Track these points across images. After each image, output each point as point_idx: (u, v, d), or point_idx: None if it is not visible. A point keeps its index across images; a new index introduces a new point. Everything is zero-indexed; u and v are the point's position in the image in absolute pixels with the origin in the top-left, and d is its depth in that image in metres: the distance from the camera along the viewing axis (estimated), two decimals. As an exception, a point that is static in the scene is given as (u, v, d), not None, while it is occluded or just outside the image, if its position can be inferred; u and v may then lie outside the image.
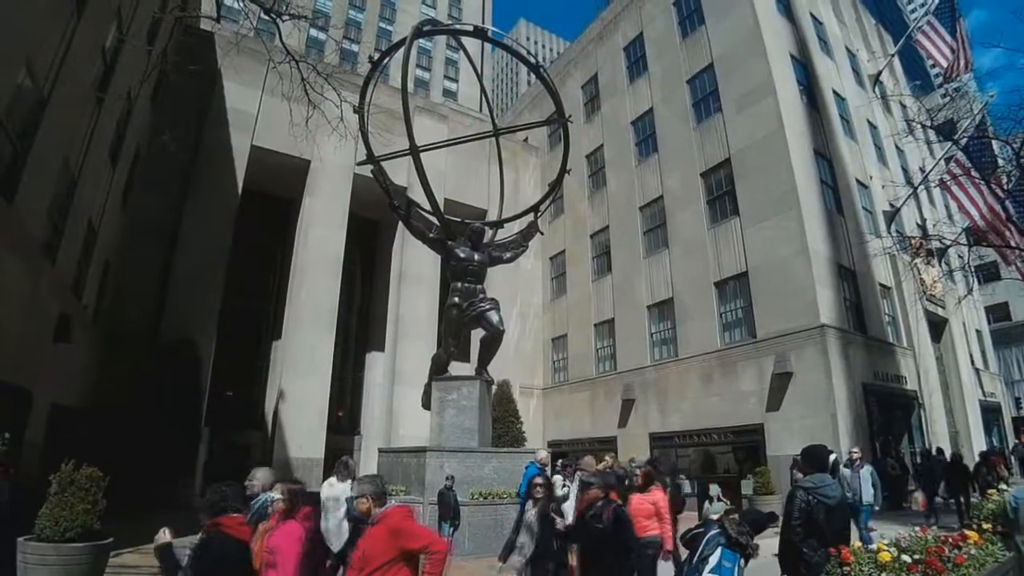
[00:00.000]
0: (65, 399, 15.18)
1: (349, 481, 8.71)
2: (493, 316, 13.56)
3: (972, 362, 29.41)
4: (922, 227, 28.68)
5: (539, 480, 6.87)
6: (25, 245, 11.05)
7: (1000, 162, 20.17)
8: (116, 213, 19.08)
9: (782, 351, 20.48)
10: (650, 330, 26.61)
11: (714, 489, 17.50)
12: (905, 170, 30.04)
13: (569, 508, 11.30)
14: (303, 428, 24.09)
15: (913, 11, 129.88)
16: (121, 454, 14.86)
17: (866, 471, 12.15)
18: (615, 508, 5.73)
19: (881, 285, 23.84)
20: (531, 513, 6.72)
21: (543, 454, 10.85)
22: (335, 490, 8.72)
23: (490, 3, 66.12)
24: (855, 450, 12.92)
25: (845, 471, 12.11)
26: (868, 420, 20.19)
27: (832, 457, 15.99)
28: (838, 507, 5.59)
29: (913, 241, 25.26)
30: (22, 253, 10.93)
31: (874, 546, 5.34)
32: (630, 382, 26.46)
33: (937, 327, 27.00)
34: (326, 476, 9.70)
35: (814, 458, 6.01)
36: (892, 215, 25.75)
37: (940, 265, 27.15)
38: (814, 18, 27.72)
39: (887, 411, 21.77)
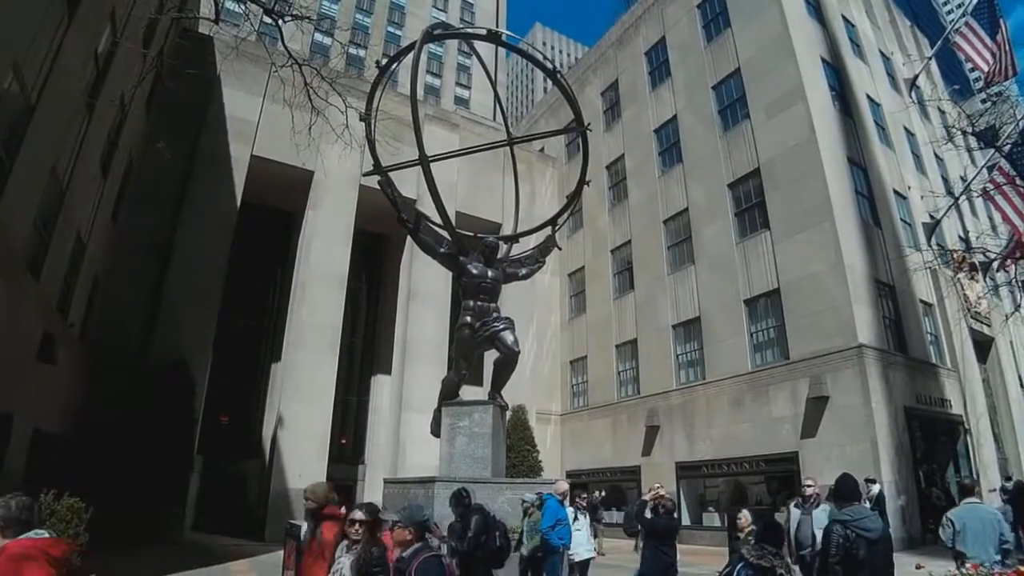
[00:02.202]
0: (47, 424, 14.98)
1: None
2: (508, 337, 13.30)
3: (1021, 384, 28.86)
4: (965, 240, 28.39)
5: (359, 515, 5.15)
6: (8, 259, 10.89)
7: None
8: (106, 226, 19.00)
9: (817, 373, 20.17)
10: (675, 351, 26.29)
11: (746, 523, 17.12)
12: (945, 179, 29.86)
13: (583, 542, 11.04)
14: (303, 457, 23.77)
15: (950, 12, 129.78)
16: (106, 484, 14.66)
17: (821, 512, 9.59)
18: (426, 560, 4.57)
19: (922, 302, 23.52)
20: (343, 563, 5.10)
21: (564, 485, 10.56)
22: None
23: (504, 6, 66.64)
24: (808, 482, 10.56)
25: (795, 512, 10.16)
26: (911, 447, 19.82)
27: (876, 488, 15.60)
28: (880, 540, 5.39)
29: (955, 255, 24.90)
30: (4, 267, 10.76)
31: None
32: (654, 407, 26.07)
33: (983, 347, 26.59)
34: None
35: (843, 489, 5.81)
36: (932, 227, 25.47)
37: (985, 280, 26.78)
38: (846, 20, 27.69)
39: (931, 437, 21.41)
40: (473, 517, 7.65)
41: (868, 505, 14.04)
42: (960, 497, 6.14)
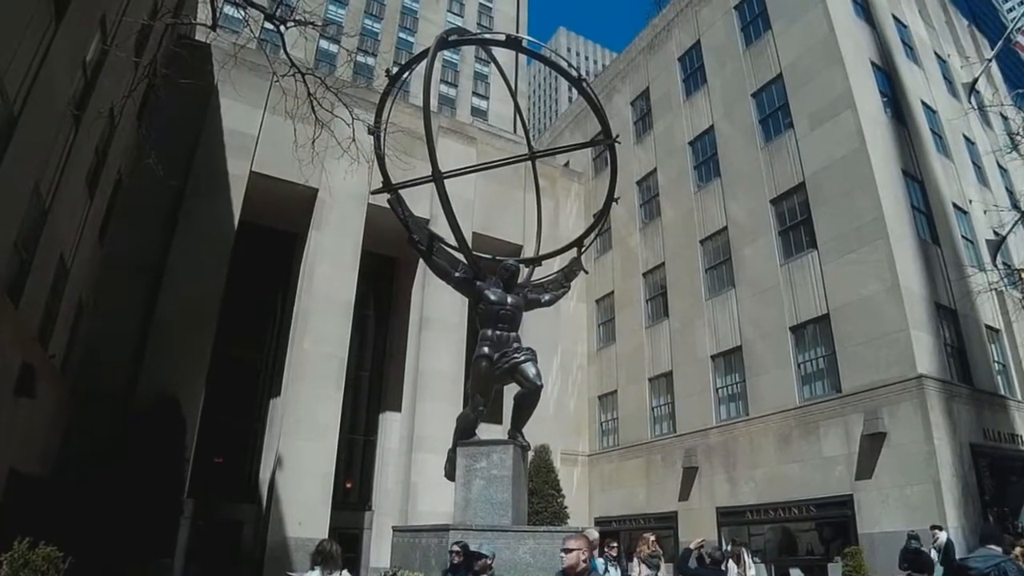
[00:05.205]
0: (25, 464, 14.90)
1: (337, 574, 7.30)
2: (530, 369, 13.12)
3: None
4: (1033, 258, 27.92)
5: None
6: (-15, 284, 10.92)
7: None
8: (92, 248, 19.12)
9: (872, 407, 19.89)
10: (715, 385, 26.08)
11: (795, 574, 16.77)
12: (1010, 191, 29.61)
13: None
14: (305, 501, 23.62)
15: (1011, 10, 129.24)
16: (88, 530, 14.56)
17: None
18: None
19: (988, 327, 23.22)
20: None
21: (594, 533, 10.37)
22: None
23: (525, 10, 67.26)
24: (613, 545, 8.90)
25: None
26: (978, 488, 19.34)
27: (943, 536, 15.28)
28: None
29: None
30: (-19, 293, 10.79)
31: None
32: (692, 447, 25.77)
33: (1058, 377, 26.04)
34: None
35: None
36: (997, 244, 25.17)
37: (1058, 303, 26.34)
38: (897, 20, 27.64)
39: (1000, 477, 20.82)
40: None
41: (935, 555, 13.67)
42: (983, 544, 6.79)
